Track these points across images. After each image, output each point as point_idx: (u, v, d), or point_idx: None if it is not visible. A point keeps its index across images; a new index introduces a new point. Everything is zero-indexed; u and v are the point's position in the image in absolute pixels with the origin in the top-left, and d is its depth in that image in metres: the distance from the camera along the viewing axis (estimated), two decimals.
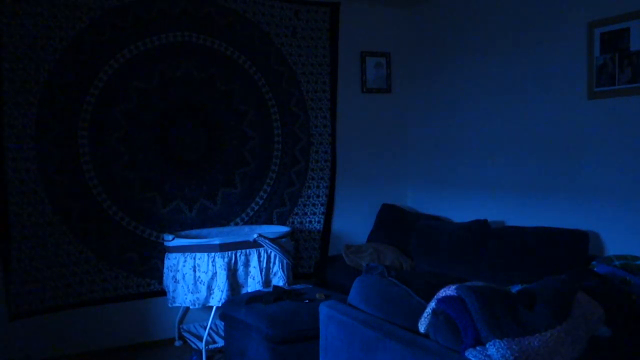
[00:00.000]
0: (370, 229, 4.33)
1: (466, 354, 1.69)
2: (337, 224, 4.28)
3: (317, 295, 3.04)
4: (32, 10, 3.18)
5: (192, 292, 3.24)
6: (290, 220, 4.08)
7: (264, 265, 3.37)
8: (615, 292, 2.20)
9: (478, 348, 1.67)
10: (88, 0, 3.33)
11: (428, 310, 1.89)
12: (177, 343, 3.64)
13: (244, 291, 3.32)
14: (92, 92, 3.39)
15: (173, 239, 3.31)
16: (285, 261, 3.43)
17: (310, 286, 3.41)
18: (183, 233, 3.57)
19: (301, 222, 4.12)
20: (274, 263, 3.41)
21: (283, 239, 3.48)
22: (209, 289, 3.24)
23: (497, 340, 1.64)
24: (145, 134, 3.55)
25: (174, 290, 3.30)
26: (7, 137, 3.17)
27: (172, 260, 3.32)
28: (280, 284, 3.38)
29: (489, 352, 1.64)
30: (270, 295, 3.00)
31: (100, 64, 3.40)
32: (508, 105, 3.56)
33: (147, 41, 3.52)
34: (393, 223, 4.18)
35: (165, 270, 3.40)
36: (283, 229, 3.66)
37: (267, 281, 3.39)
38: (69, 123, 3.33)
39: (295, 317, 2.79)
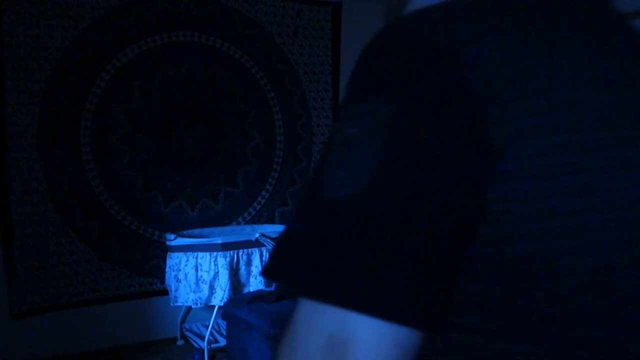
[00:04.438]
0: None
1: None
2: None
3: None
4: (35, 9, 3.18)
5: (194, 292, 3.24)
6: None
7: None
8: None
9: None
10: None
11: None
12: (179, 342, 3.64)
13: (246, 290, 3.33)
14: (94, 92, 3.39)
15: (175, 238, 3.31)
16: None
17: None
18: (185, 232, 3.57)
19: None
20: None
21: None
22: (211, 288, 3.24)
23: None
24: (148, 133, 3.55)
25: (176, 290, 3.31)
26: (9, 136, 3.17)
27: (174, 260, 3.32)
28: None
29: None
30: (272, 295, 3.00)
31: (103, 64, 3.40)
32: None
33: (149, 40, 3.52)
34: None
35: (167, 269, 3.40)
36: None
37: (269, 280, 3.39)
38: (71, 122, 3.33)
39: None
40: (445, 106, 0.39)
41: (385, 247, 0.38)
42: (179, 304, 3.33)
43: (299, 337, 0.41)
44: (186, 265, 3.25)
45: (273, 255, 0.45)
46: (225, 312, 3.09)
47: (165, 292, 3.55)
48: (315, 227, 0.41)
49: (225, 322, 3.22)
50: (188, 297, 3.26)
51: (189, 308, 3.73)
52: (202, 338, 3.34)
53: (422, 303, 0.39)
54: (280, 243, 0.44)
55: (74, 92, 3.33)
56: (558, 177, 0.40)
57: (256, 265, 3.35)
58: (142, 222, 3.57)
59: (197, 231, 3.64)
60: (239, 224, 3.88)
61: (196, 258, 3.24)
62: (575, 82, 0.42)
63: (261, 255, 3.36)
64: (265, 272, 0.44)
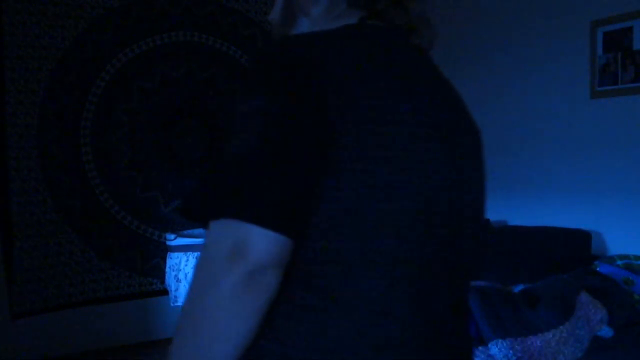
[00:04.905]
0: None
1: None
2: None
3: None
4: (35, 9, 3.18)
5: None
6: None
7: None
8: (617, 292, 2.20)
9: (480, 348, 1.67)
10: None
11: None
12: None
13: None
14: (94, 92, 3.39)
15: (175, 238, 3.32)
16: None
17: None
18: (185, 232, 3.58)
19: None
20: None
21: None
22: None
23: (499, 339, 1.64)
24: (147, 133, 3.55)
25: (176, 290, 3.31)
26: (9, 136, 3.17)
27: (174, 260, 3.32)
28: None
29: (491, 352, 1.64)
30: None
31: (103, 63, 3.40)
32: (510, 103, 3.56)
33: (149, 40, 3.52)
34: None
35: (167, 269, 3.40)
36: None
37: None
38: (71, 122, 3.33)
39: None
40: (305, 95, 0.62)
41: (265, 183, 0.59)
42: (179, 304, 3.33)
43: (211, 250, 0.61)
44: (186, 265, 3.26)
45: (188, 199, 0.65)
46: None
47: (165, 292, 3.55)
48: (222, 175, 0.62)
49: None
50: None
51: None
52: None
53: (289, 218, 0.60)
54: (196, 189, 0.64)
55: (74, 92, 3.33)
56: (375, 149, 0.63)
57: None
58: (142, 222, 3.57)
59: (197, 231, 3.64)
60: None
61: (196, 258, 3.25)
62: (392, 95, 0.66)
63: None
64: (182, 212, 0.64)
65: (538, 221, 3.31)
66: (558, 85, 3.20)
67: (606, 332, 1.95)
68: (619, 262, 2.59)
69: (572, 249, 2.90)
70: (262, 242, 0.58)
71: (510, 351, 1.61)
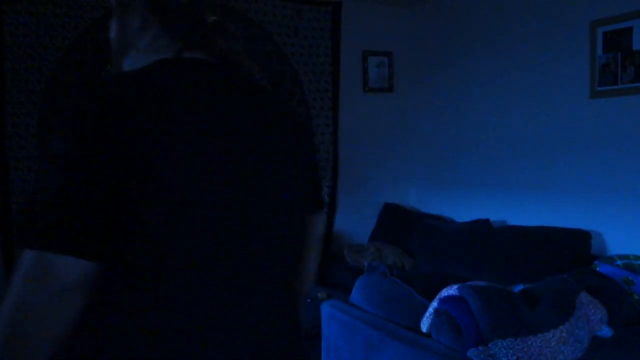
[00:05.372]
0: (372, 228, 4.34)
1: (468, 353, 1.69)
2: (339, 224, 4.28)
3: (319, 295, 3.04)
4: (35, 9, 3.18)
5: None
6: None
7: None
8: (617, 292, 2.20)
9: (480, 348, 1.67)
10: None
11: (430, 309, 1.90)
12: None
13: None
14: None
15: None
16: None
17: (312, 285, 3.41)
18: None
19: None
20: None
21: None
22: None
23: (499, 340, 1.64)
24: None
25: None
26: (9, 136, 3.17)
27: None
28: None
29: (491, 352, 1.64)
30: None
31: (103, 63, 3.40)
32: (510, 104, 3.56)
33: None
34: (395, 222, 4.17)
35: None
36: None
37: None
38: None
39: None
40: (109, 137, 0.69)
41: (65, 216, 0.67)
42: None
43: (21, 274, 0.68)
44: None
45: (17, 234, 0.81)
46: None
47: None
48: (34, 209, 0.69)
49: None
50: None
51: None
52: None
53: (89, 244, 0.68)
54: (19, 220, 0.81)
55: (75, 92, 3.33)
56: (179, 178, 0.71)
57: None
58: None
59: None
60: None
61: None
62: (197, 125, 0.75)
63: None
64: (17, 244, 0.75)
65: (538, 221, 3.31)
66: (558, 85, 3.20)
67: (606, 332, 1.96)
68: (619, 262, 2.59)
69: (572, 249, 2.91)
70: (63, 267, 0.68)
71: (511, 351, 1.61)
